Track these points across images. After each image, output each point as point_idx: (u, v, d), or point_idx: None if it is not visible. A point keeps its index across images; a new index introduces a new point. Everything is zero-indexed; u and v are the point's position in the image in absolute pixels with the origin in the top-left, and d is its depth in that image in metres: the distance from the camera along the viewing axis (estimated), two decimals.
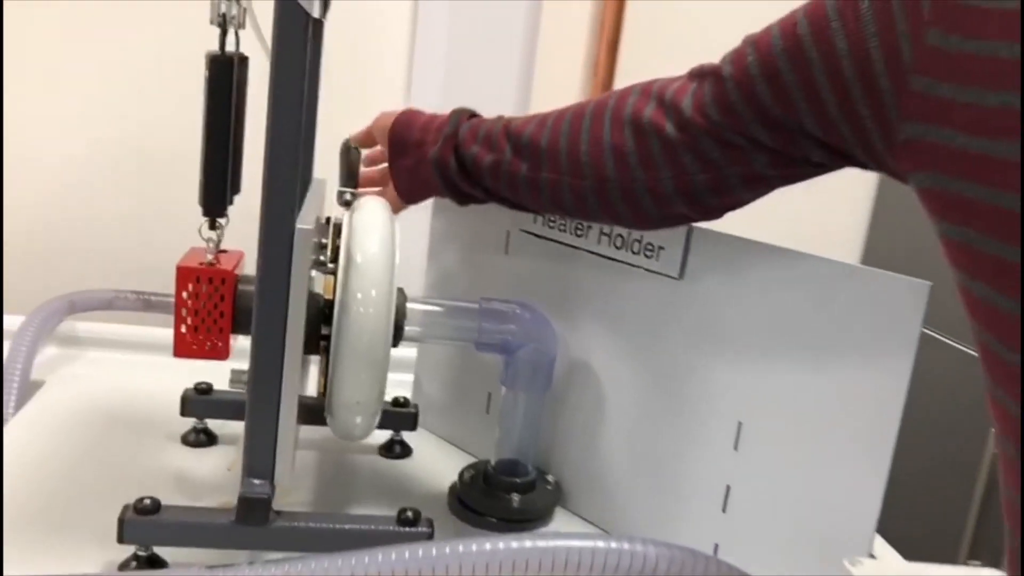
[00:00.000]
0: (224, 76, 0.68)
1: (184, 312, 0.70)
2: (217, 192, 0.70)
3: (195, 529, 0.65)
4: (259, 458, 0.66)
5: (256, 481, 0.66)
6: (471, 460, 0.88)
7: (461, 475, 0.83)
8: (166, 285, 1.11)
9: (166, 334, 1.10)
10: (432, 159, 0.77)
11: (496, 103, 1.28)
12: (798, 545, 0.68)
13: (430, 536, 0.68)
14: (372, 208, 0.72)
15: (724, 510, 0.73)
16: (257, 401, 0.65)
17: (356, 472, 0.87)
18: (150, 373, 1.01)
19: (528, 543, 0.53)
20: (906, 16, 0.47)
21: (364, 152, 0.87)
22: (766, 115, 0.58)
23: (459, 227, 0.92)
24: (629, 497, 0.79)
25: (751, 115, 0.58)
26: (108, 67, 1.22)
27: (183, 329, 0.71)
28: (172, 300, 1.17)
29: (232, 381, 0.69)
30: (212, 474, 0.83)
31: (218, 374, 0.83)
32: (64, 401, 0.94)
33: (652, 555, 0.54)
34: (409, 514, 0.68)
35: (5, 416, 0.92)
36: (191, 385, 0.87)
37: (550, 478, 0.83)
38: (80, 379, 1.00)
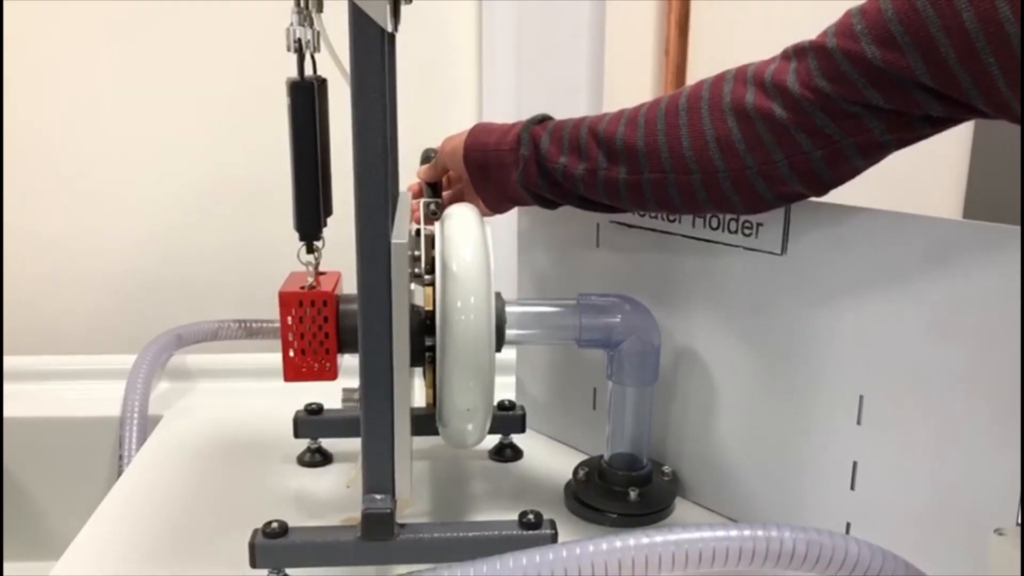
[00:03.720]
0: (306, 100, 0.69)
1: (290, 337, 0.72)
2: (311, 215, 0.71)
3: (323, 548, 0.66)
4: (378, 473, 0.66)
5: (378, 496, 0.66)
6: (582, 457, 0.87)
7: (575, 473, 0.82)
8: (265, 312, 1.16)
9: (271, 359, 1.13)
10: (519, 181, 0.76)
11: (570, 98, 1.28)
12: (935, 519, 0.65)
13: (554, 537, 0.67)
14: (463, 216, 0.72)
15: (852, 487, 0.70)
16: (371, 417, 0.65)
17: (470, 478, 0.87)
18: (260, 398, 1.04)
19: (659, 538, 0.52)
20: None
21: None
22: (880, 77, 0.56)
23: (547, 225, 0.91)
24: (750, 482, 0.77)
25: (864, 80, 0.56)
26: (192, 102, 1.25)
27: (291, 354, 0.72)
28: (274, 326, 1.21)
29: (344, 400, 0.70)
30: (331, 492, 0.84)
31: (325, 394, 0.85)
32: (183, 433, 0.96)
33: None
34: (531, 517, 0.68)
35: (129, 453, 0.96)
36: (301, 407, 0.89)
37: (666, 469, 0.82)
38: (195, 410, 1.03)
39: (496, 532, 0.67)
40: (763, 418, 0.75)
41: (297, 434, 0.88)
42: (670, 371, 0.81)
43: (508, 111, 1.25)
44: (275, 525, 0.66)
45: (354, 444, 0.89)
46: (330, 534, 0.67)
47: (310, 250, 0.72)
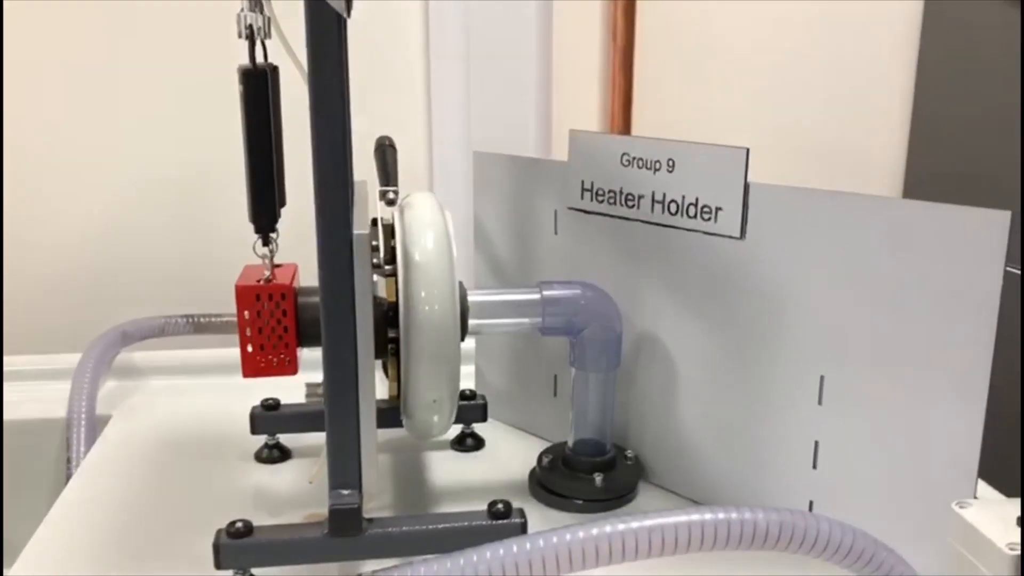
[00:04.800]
0: (260, 88, 0.67)
1: (248, 332, 0.70)
2: (267, 207, 0.69)
3: (290, 547, 0.65)
4: (344, 468, 0.65)
5: (344, 491, 0.65)
6: (544, 444, 0.87)
7: (540, 460, 0.82)
8: (214, 307, 1.13)
9: (222, 354, 1.11)
10: None
11: (519, 94, 1.27)
12: (897, 494, 0.67)
13: (524, 527, 0.67)
14: (423, 204, 0.71)
15: (815, 467, 0.71)
16: (335, 412, 0.64)
17: (433, 469, 0.86)
18: (212, 395, 1.01)
19: (635, 523, 0.52)
20: None
21: None
22: None
23: (503, 212, 0.90)
24: (712, 464, 0.78)
25: None
26: (135, 94, 1.22)
27: (249, 349, 0.70)
28: (223, 320, 1.19)
29: (308, 395, 0.68)
30: (292, 488, 0.83)
31: (281, 389, 0.84)
32: (134, 433, 0.94)
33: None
34: (500, 506, 0.67)
35: (78, 456, 0.93)
36: (254, 403, 0.87)
37: (629, 454, 0.82)
38: (145, 409, 1.00)
39: (466, 523, 0.67)
40: (724, 400, 0.76)
41: (254, 430, 0.86)
42: (631, 356, 0.81)
43: (458, 104, 1.24)
44: (239, 525, 0.65)
45: (313, 439, 0.89)
46: (297, 532, 0.66)
47: (266, 242, 0.71)
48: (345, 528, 0.65)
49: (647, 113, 1.30)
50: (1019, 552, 0.53)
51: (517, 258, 0.90)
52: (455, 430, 0.90)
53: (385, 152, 0.85)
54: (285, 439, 0.89)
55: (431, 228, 0.69)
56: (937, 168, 1.49)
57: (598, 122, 1.33)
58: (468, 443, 0.90)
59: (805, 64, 1.33)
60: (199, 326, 1.13)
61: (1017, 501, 0.59)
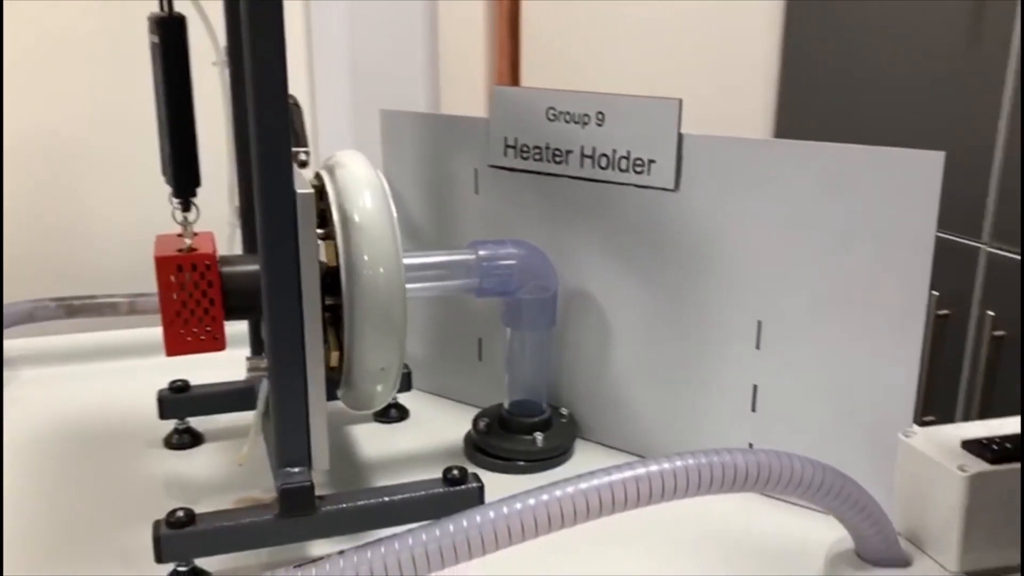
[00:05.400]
0: (176, 37, 0.61)
1: (171, 306, 0.64)
2: (188, 168, 0.64)
3: (238, 532, 0.60)
4: (292, 445, 0.61)
5: (294, 470, 0.61)
6: (471, 411, 0.85)
7: (475, 424, 0.80)
8: (86, 288, 1.04)
9: (103, 338, 1.03)
10: None
11: (406, 95, 1.23)
12: (837, 432, 0.69)
13: (481, 491, 0.65)
14: (354, 162, 0.67)
15: (754, 409, 0.73)
16: (282, 385, 0.60)
17: (361, 443, 0.83)
18: (95, 382, 0.94)
19: (618, 475, 0.52)
20: None
21: None
22: None
23: (416, 173, 0.87)
24: (650, 416, 0.79)
25: None
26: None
27: (172, 324, 0.65)
28: (98, 302, 1.09)
29: (250, 370, 0.64)
30: (211, 474, 0.77)
31: (167, 372, 0.79)
32: (17, 428, 0.85)
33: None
34: (455, 472, 0.65)
35: None
36: (148, 387, 0.80)
37: (564, 412, 0.82)
38: (23, 401, 0.91)
39: (423, 492, 0.64)
40: (661, 352, 0.77)
41: (163, 415, 0.80)
42: (563, 314, 0.81)
43: (341, 63, 1.19)
44: (180, 513, 0.60)
45: (227, 421, 0.83)
46: (244, 516, 0.61)
47: (187, 208, 0.65)
48: (297, 508, 0.61)
49: (534, 74, 1.30)
50: (971, 472, 0.56)
51: (434, 221, 0.87)
52: None
53: (291, 112, 0.80)
54: (195, 423, 0.83)
55: (367, 187, 0.65)
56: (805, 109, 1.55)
57: (484, 81, 1.31)
58: (392, 414, 0.87)
59: (689, 24, 1.36)
60: (72, 309, 1.04)
61: (959, 426, 0.63)
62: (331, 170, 0.67)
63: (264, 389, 0.69)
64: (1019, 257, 1.09)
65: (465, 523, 0.49)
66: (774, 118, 1.52)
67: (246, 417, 0.81)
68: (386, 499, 0.63)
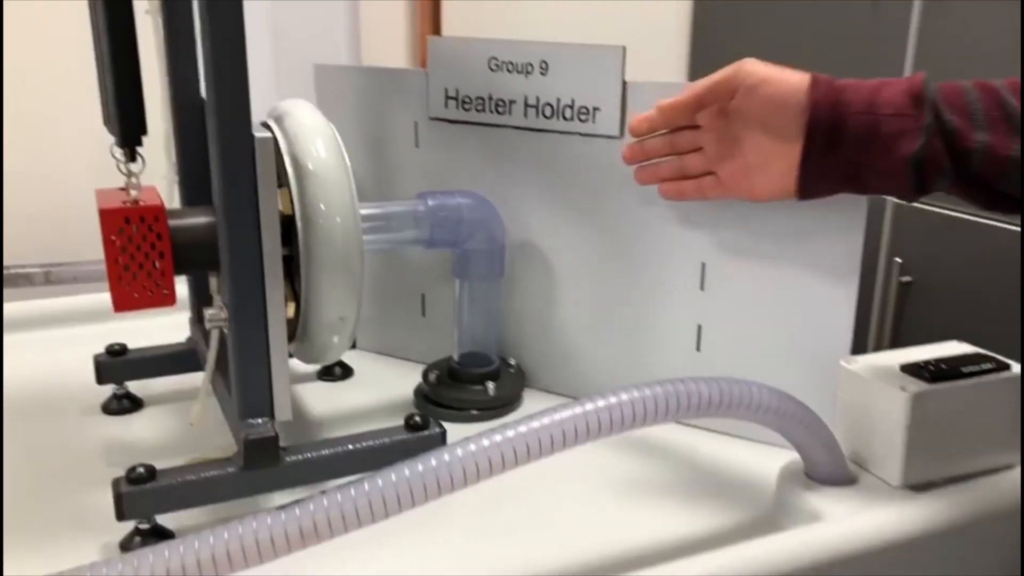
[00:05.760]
0: None
1: (118, 261, 0.62)
2: (134, 113, 0.62)
3: (201, 486, 0.60)
4: (254, 396, 0.61)
5: (257, 421, 0.61)
6: (416, 367, 0.85)
7: (426, 376, 0.80)
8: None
9: (24, 308, 0.98)
10: (916, 158, 0.59)
11: (325, 42, 1.20)
12: (780, 366, 0.72)
13: (444, 436, 0.66)
14: (302, 111, 0.66)
15: (698, 349, 0.76)
16: (242, 336, 0.59)
17: (308, 400, 0.82)
18: (17, 353, 0.90)
19: (591, 405, 0.53)
20: None
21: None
22: None
23: (354, 123, 0.86)
24: (596, 362, 0.80)
25: None
26: None
27: (120, 280, 0.63)
28: (11, 273, 1.05)
29: (209, 321, 0.62)
30: (156, 437, 0.76)
31: (100, 341, 0.78)
32: None
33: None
34: (417, 419, 0.66)
35: None
36: (73, 355, 0.78)
37: (512, 362, 0.83)
38: None
39: (387, 439, 0.64)
40: (607, 298, 0.79)
41: (101, 379, 0.78)
42: (509, 265, 0.81)
43: (261, 18, 1.16)
44: (141, 470, 0.58)
45: (166, 385, 0.81)
46: (207, 469, 0.60)
47: (132, 158, 0.63)
48: (262, 459, 0.60)
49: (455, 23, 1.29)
50: (912, 392, 0.60)
51: (373, 176, 0.86)
52: None
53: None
54: (134, 388, 0.81)
55: (319, 135, 0.64)
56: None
57: (406, 33, 1.30)
58: (337, 372, 0.87)
59: None
60: None
61: (895, 353, 0.67)
62: (279, 119, 0.66)
63: (214, 345, 0.67)
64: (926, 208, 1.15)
65: (447, 457, 0.50)
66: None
67: (184, 380, 0.80)
68: (351, 447, 0.63)
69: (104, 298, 0.62)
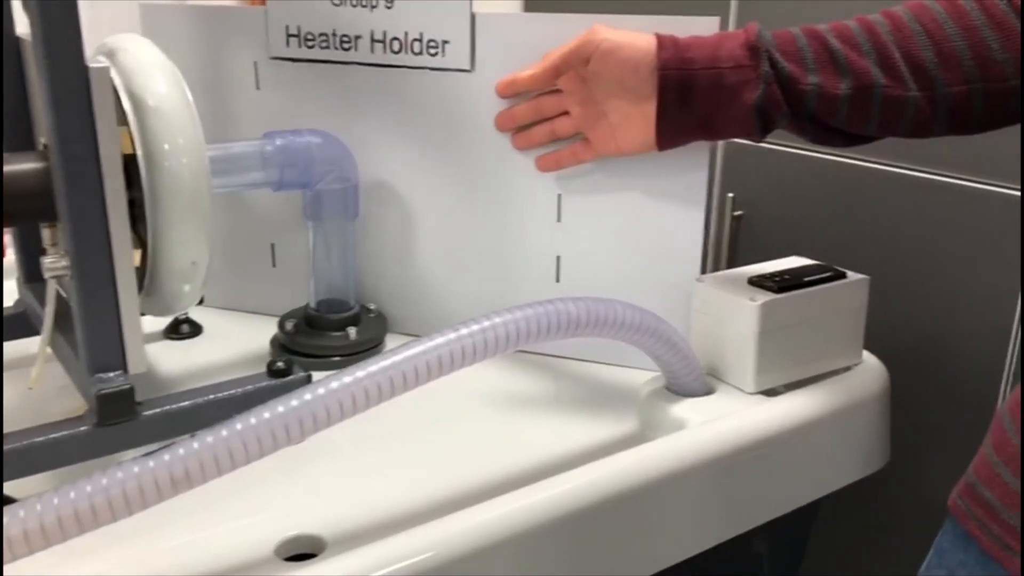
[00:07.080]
0: None
1: None
2: None
3: (52, 448, 0.56)
4: (103, 349, 0.57)
5: (109, 375, 0.57)
6: (269, 320, 0.83)
7: (282, 326, 0.78)
8: None
9: None
10: (757, 104, 0.63)
11: None
12: (633, 290, 0.74)
13: (310, 379, 0.64)
14: (138, 46, 0.62)
15: (558, 280, 0.77)
16: (88, 286, 0.55)
17: (157, 361, 0.78)
18: None
19: (465, 330, 0.53)
20: None
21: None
22: None
23: (186, 71, 0.81)
24: (458, 299, 0.80)
25: None
26: None
27: None
28: None
29: (48, 270, 0.57)
30: None
31: None
32: None
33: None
34: (280, 364, 0.64)
35: None
36: None
37: (371, 307, 0.82)
38: None
39: (251, 386, 0.62)
40: (464, 235, 0.79)
41: None
42: (363, 208, 0.80)
43: None
44: None
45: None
46: (57, 430, 0.56)
47: None
48: (117, 413, 0.57)
49: None
50: (760, 301, 0.64)
51: (213, 121, 0.81)
52: (167, 319, 0.82)
53: None
54: None
55: (159, 70, 0.60)
56: None
57: None
58: (184, 330, 0.83)
59: None
60: None
61: (741, 269, 0.71)
62: (111, 55, 0.61)
63: (51, 300, 0.63)
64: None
65: (321, 391, 0.49)
66: None
67: (16, 347, 0.74)
68: (212, 397, 0.61)
69: None
